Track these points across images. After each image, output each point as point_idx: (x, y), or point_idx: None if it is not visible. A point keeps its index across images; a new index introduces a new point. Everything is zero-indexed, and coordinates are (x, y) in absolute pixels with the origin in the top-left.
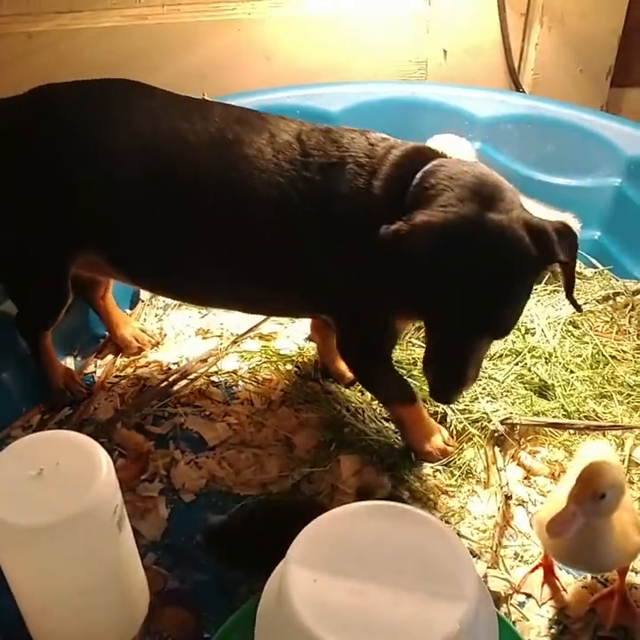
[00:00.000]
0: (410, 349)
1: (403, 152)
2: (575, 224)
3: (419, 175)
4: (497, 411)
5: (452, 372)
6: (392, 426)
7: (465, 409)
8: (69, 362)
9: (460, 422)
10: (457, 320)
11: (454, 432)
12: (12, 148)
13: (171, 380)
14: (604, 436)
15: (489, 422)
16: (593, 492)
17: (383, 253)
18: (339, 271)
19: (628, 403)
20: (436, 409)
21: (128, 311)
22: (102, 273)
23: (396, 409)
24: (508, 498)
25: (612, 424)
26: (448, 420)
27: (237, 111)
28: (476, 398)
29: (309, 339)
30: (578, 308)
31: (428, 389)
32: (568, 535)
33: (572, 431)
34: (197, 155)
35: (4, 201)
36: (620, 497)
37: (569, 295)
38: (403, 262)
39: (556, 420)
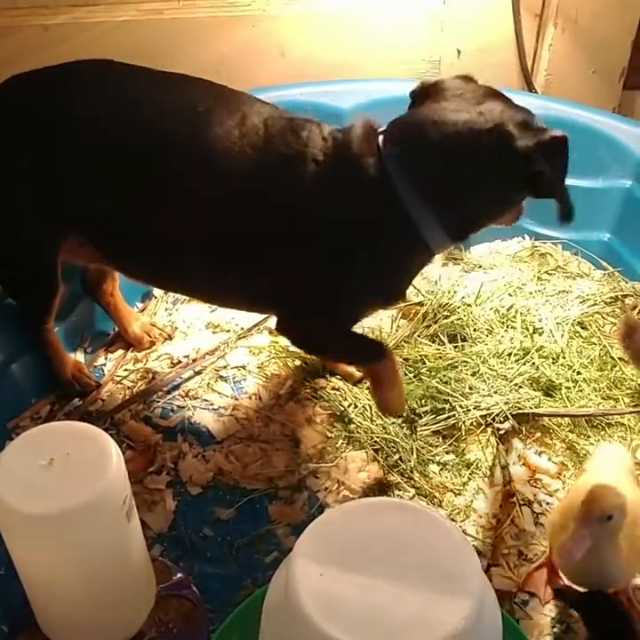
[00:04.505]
0: (418, 347)
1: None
2: None
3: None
4: (503, 411)
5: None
6: (398, 422)
7: (472, 407)
8: (79, 354)
9: (468, 420)
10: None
11: (462, 430)
12: None
13: (177, 370)
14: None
15: (495, 420)
16: (600, 515)
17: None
18: (300, 263)
19: (634, 405)
20: (444, 406)
21: (139, 305)
22: (90, 259)
23: (368, 367)
24: (511, 496)
25: (620, 410)
26: (455, 417)
27: (216, 88)
28: (484, 396)
29: None
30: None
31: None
32: (579, 557)
33: (577, 433)
34: (164, 123)
35: None
36: (624, 518)
37: None
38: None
39: (562, 410)
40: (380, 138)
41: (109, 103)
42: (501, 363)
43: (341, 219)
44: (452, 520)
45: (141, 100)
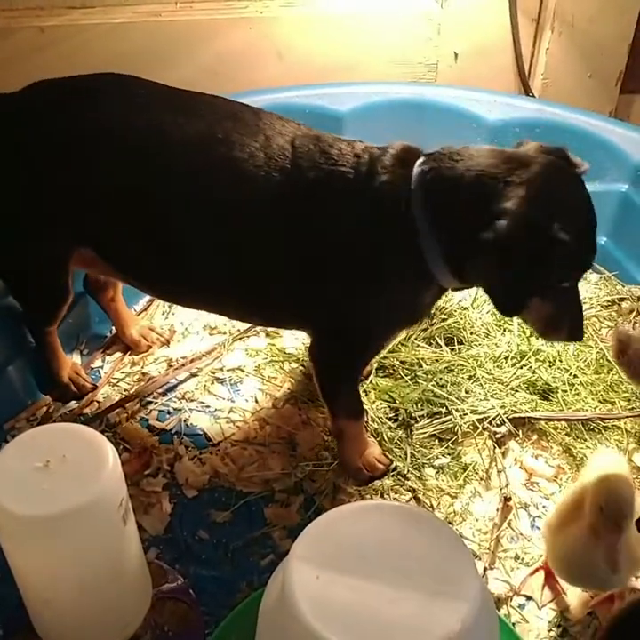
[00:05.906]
0: (414, 350)
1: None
2: None
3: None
4: (499, 414)
5: (578, 316)
6: (394, 425)
7: (468, 410)
8: (76, 356)
9: (465, 424)
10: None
11: (459, 433)
12: (4, 145)
13: (172, 372)
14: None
15: (491, 424)
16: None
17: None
18: (332, 288)
19: (630, 409)
20: (440, 410)
21: (136, 308)
22: (100, 271)
23: (343, 422)
24: (507, 500)
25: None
26: (452, 421)
27: (231, 106)
28: (481, 400)
29: None
30: None
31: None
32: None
33: (574, 436)
34: (182, 151)
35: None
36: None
37: None
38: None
39: (559, 413)
40: (419, 162)
41: (126, 124)
42: (498, 366)
43: (371, 235)
44: (449, 523)
45: (152, 124)
